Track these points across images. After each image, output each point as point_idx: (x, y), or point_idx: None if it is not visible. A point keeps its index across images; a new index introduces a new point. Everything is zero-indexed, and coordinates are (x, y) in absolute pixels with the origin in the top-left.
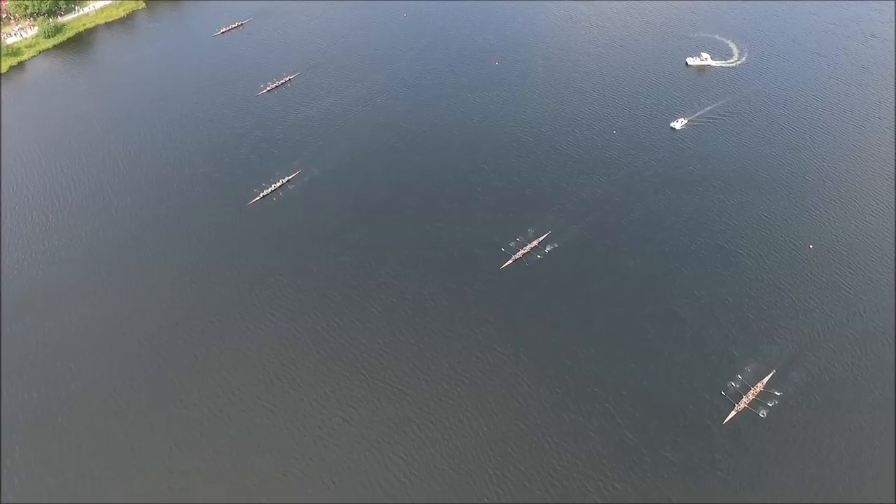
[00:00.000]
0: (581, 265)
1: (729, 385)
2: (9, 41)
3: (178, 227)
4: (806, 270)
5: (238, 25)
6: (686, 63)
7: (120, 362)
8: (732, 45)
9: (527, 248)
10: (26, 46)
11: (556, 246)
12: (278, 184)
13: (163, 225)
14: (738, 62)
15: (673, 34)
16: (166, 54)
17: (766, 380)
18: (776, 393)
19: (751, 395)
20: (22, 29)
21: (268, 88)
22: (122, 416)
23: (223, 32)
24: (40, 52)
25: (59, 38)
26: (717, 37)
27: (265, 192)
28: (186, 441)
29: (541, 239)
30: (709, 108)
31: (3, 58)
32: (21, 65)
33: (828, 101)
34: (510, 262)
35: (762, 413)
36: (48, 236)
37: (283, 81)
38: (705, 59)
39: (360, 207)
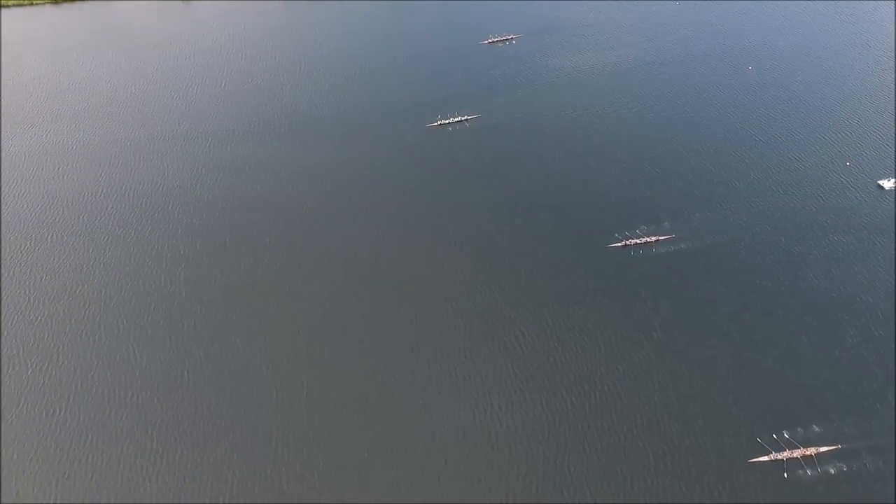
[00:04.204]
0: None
1: (787, 432)
2: None
3: (372, 124)
4: None
5: None
6: None
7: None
8: None
9: (658, 237)
10: None
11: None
12: (457, 119)
13: (364, 121)
14: None
15: None
16: None
17: (822, 449)
18: (817, 469)
19: (795, 454)
20: None
21: (489, 41)
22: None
23: None
24: None
25: None
26: None
27: (443, 122)
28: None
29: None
30: None
31: None
32: None
33: None
34: (643, 242)
35: (786, 475)
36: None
37: (505, 38)
38: None
39: (516, 156)
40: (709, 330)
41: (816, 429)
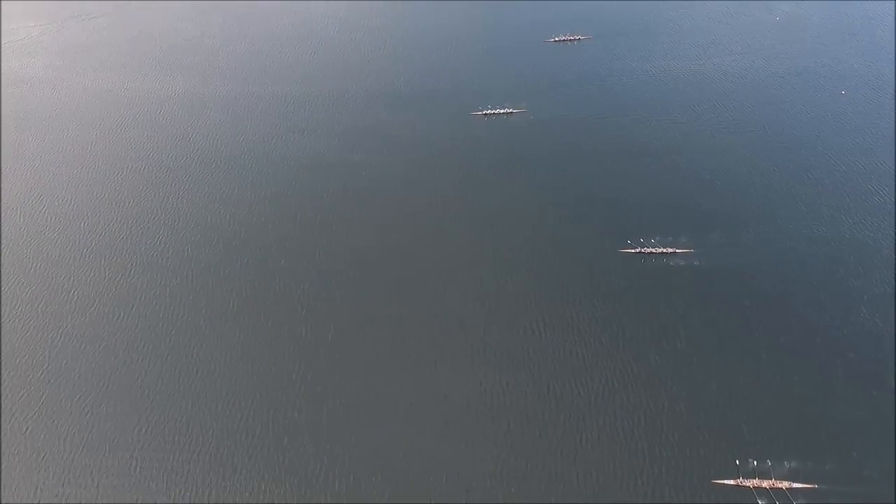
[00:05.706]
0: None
1: (763, 463)
2: None
3: (425, 108)
4: None
5: None
6: None
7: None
8: None
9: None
10: None
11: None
12: (502, 110)
13: (419, 103)
14: None
15: None
16: None
17: (799, 485)
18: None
19: (764, 484)
20: None
21: (554, 40)
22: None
23: None
24: None
25: None
26: None
27: (487, 112)
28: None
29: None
30: None
31: None
32: None
33: None
34: (688, 251)
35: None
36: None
37: (573, 38)
38: None
39: (554, 154)
40: (737, 347)
41: (827, 466)
